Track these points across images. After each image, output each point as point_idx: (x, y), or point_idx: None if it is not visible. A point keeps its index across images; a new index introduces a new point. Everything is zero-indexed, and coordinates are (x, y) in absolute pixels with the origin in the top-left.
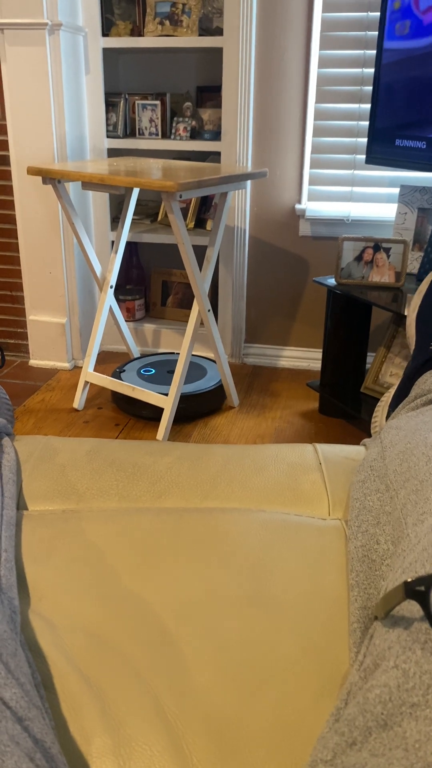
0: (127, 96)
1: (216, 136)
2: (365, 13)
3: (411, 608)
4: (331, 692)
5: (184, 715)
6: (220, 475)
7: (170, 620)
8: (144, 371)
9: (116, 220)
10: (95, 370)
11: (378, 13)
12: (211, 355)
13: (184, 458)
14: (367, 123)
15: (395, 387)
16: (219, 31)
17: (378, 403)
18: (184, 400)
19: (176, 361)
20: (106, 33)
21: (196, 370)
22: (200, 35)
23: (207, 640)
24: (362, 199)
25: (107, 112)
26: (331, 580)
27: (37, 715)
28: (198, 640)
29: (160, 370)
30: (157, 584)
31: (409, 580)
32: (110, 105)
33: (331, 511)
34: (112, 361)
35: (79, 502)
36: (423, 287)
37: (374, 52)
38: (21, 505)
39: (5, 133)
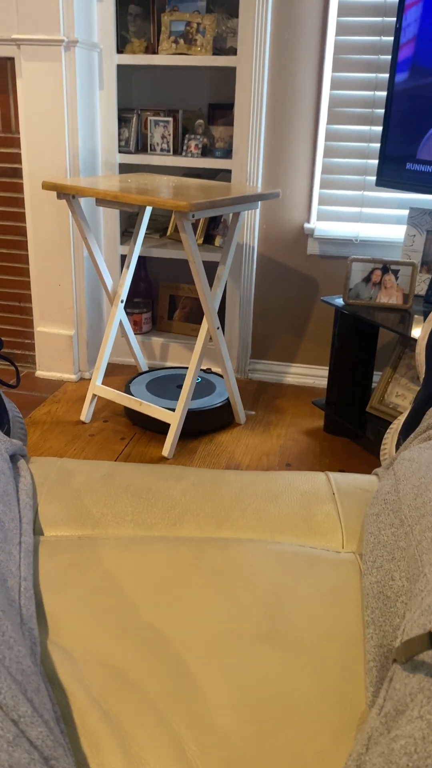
0: (139, 112)
1: (227, 153)
2: (378, 38)
3: None
4: (349, 733)
5: (204, 755)
6: (234, 504)
7: (188, 655)
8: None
9: (126, 234)
10: (101, 382)
11: (391, 38)
12: (217, 369)
13: (198, 484)
14: (377, 145)
15: (405, 414)
16: (233, 51)
17: (387, 430)
18: (192, 416)
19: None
20: (120, 50)
21: (205, 385)
22: (214, 54)
23: (225, 678)
24: (371, 219)
25: (120, 127)
26: (347, 616)
27: (62, 755)
28: (216, 678)
29: (173, 384)
30: (175, 617)
31: None
32: (123, 120)
33: (345, 543)
34: (118, 374)
35: (95, 528)
36: None
37: (386, 75)
38: (37, 530)
39: (19, 146)
